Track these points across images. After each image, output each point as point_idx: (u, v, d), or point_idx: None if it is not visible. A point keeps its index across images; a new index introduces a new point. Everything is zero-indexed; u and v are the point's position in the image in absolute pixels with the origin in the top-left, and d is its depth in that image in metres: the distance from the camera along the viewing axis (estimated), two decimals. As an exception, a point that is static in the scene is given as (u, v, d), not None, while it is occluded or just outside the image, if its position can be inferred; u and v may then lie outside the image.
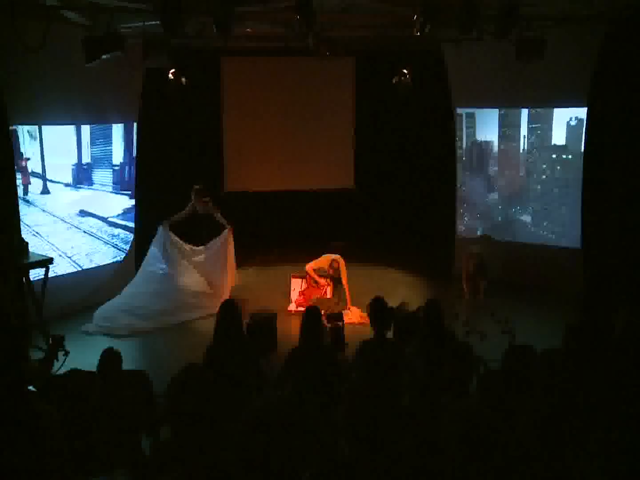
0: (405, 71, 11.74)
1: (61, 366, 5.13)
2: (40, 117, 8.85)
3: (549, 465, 3.22)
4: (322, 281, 9.69)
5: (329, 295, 9.68)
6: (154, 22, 7.33)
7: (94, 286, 9.77)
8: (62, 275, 9.34)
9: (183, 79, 11.02)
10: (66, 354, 5.29)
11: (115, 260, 10.47)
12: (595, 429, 3.26)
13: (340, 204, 13.73)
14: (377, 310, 5.33)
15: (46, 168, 9.18)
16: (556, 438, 3.38)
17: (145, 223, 10.91)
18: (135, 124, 10.60)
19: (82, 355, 6.22)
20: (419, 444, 3.38)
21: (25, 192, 8.95)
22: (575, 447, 3.17)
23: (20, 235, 8.26)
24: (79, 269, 9.75)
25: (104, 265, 10.22)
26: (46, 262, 8.01)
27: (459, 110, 11.34)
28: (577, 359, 4.23)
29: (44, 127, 8.99)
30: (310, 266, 9.68)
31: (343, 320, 8.56)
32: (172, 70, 10.84)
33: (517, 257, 10.80)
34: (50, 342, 5.08)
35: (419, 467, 3.13)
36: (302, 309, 8.40)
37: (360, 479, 2.36)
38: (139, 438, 4.30)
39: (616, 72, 8.92)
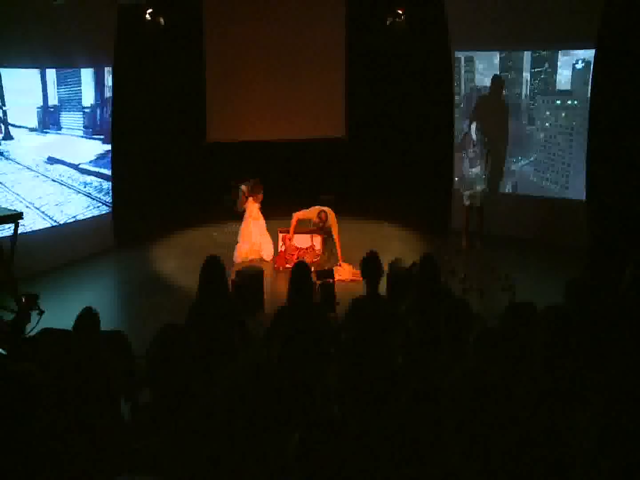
0: (399, 11, 11.51)
1: (35, 326, 5.11)
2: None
3: (548, 426, 3.24)
4: (293, 244, 9.71)
5: (318, 248, 9.69)
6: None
7: (71, 242, 9.70)
8: (36, 230, 9.23)
9: (161, 19, 10.76)
10: (40, 313, 5.27)
11: (88, 210, 10.32)
12: (597, 389, 3.27)
13: (331, 155, 13.61)
14: (370, 266, 5.30)
15: (7, 110, 8.85)
16: (556, 398, 3.40)
17: (122, 170, 10.77)
18: (107, 68, 10.31)
19: (57, 315, 6.20)
20: (412, 405, 3.38)
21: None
22: (576, 407, 3.19)
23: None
24: (49, 220, 9.59)
25: (82, 220, 10.10)
26: (15, 217, 7.87)
27: (458, 54, 11.18)
28: (579, 317, 4.24)
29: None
30: (297, 215, 9.64)
31: (334, 277, 8.56)
32: (149, 10, 10.57)
33: (518, 210, 10.79)
34: (23, 300, 5.04)
35: (412, 429, 3.15)
36: (289, 266, 8.41)
37: (352, 442, 2.36)
38: (117, 402, 4.30)
39: (628, 9, 8.76)
